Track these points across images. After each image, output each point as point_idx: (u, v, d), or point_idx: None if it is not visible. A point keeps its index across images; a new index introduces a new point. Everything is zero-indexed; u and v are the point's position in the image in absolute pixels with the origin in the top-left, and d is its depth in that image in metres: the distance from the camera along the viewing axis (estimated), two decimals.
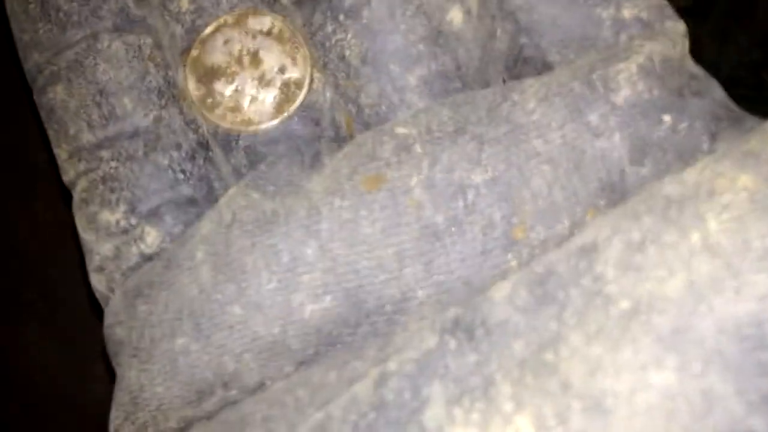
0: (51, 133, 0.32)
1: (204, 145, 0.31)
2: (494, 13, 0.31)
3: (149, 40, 0.32)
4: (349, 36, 0.30)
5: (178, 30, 0.32)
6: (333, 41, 0.31)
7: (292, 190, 0.29)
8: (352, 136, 0.31)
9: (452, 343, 0.24)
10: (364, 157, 0.29)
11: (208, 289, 0.28)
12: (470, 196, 0.28)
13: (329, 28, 0.31)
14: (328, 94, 0.31)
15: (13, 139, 0.57)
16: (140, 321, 0.29)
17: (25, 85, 0.33)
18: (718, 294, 0.22)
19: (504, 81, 0.32)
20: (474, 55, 0.31)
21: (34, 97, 0.33)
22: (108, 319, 0.31)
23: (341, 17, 0.30)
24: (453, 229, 0.28)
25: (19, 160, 0.57)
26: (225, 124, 0.30)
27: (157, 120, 0.31)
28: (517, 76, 0.32)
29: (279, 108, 0.31)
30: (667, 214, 0.23)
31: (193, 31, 0.32)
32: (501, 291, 0.24)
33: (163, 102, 0.31)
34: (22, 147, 0.56)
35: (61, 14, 0.31)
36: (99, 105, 0.31)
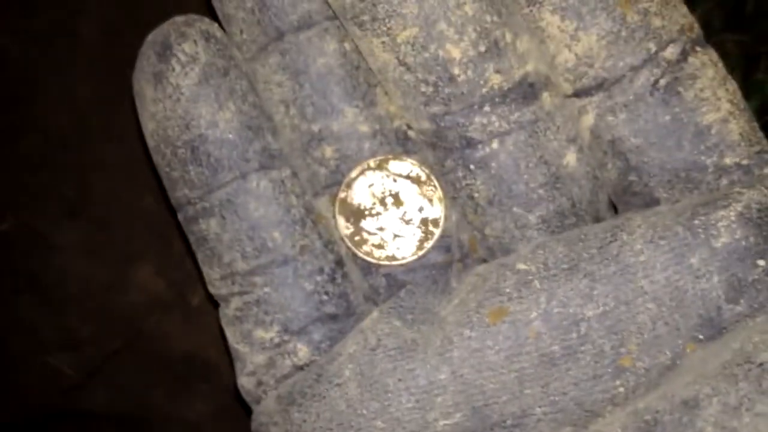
0: (201, 256, 0.36)
1: (341, 263, 0.35)
2: (606, 149, 0.34)
3: (288, 172, 0.35)
4: (478, 182, 0.34)
5: (322, 171, 0.36)
6: (463, 184, 0.34)
7: (428, 319, 0.33)
8: (475, 254, 0.36)
9: None
10: (489, 291, 0.33)
11: (354, 404, 0.33)
12: (583, 328, 0.31)
13: (460, 173, 0.34)
14: (454, 219, 0.36)
15: None
16: (295, 426, 0.33)
17: None
18: None
19: (610, 201, 0.36)
20: (586, 189, 0.34)
21: (180, 221, 0.36)
22: (260, 417, 0.35)
23: (472, 167, 0.34)
24: (568, 357, 0.31)
25: None
26: (372, 260, 0.35)
27: (303, 248, 0.35)
28: (624, 203, 0.35)
29: (419, 244, 0.35)
30: (762, 384, 0.27)
31: (337, 173, 0.35)
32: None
33: (306, 231, 0.35)
34: None
35: (212, 159, 0.34)
36: (252, 239, 0.34)
